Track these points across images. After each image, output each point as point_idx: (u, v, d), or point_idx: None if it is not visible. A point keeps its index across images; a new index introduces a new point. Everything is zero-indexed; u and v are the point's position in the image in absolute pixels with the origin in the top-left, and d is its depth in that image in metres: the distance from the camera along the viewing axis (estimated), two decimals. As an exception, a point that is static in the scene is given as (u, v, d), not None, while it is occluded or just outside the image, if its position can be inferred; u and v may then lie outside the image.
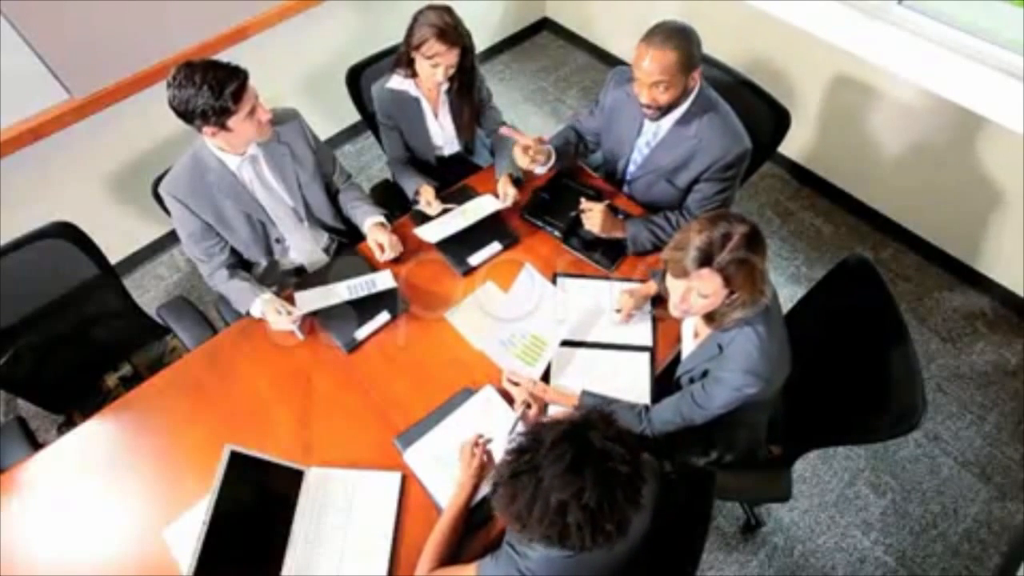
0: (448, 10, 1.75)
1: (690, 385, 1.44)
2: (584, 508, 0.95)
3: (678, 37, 1.51)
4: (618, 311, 1.66)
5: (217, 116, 1.46)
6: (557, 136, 1.92)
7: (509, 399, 1.52)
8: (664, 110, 1.62)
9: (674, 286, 1.27)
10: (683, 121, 1.66)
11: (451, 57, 1.75)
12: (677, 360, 1.67)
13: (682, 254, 1.20)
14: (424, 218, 1.88)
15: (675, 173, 1.75)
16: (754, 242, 1.19)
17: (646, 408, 1.48)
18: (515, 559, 1.11)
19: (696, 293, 1.24)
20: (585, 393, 1.50)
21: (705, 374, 1.40)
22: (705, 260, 1.18)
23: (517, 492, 0.99)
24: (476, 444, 1.39)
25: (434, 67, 1.77)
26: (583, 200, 1.77)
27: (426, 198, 1.88)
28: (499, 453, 1.08)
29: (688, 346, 1.53)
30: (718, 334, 1.35)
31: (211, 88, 1.42)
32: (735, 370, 1.31)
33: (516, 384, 1.50)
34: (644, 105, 1.61)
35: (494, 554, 1.16)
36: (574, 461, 0.96)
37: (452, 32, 1.72)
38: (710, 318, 1.33)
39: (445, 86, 1.92)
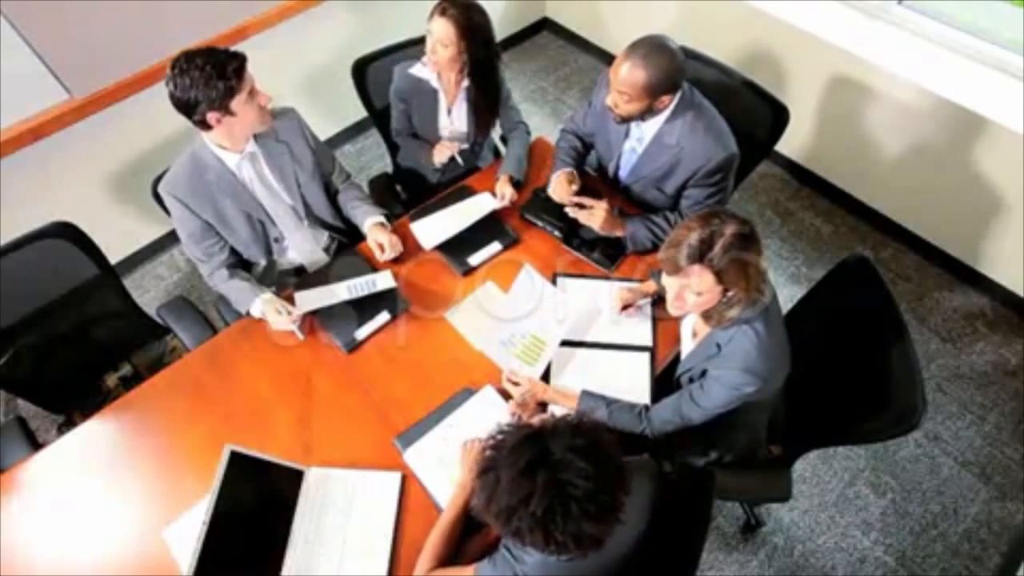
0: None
1: (689, 384, 1.44)
2: (532, 515, 0.94)
3: (657, 58, 1.49)
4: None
5: (221, 99, 1.46)
6: (564, 150, 1.92)
7: (509, 399, 1.51)
8: (625, 118, 1.63)
9: (669, 284, 1.28)
10: (665, 128, 1.66)
11: (441, 29, 1.75)
12: (677, 360, 1.67)
13: (675, 251, 1.21)
14: (422, 213, 1.89)
15: (662, 181, 1.76)
16: (747, 239, 1.19)
17: (646, 408, 1.48)
18: (512, 563, 1.11)
19: (690, 291, 1.24)
20: (585, 393, 1.50)
21: (704, 373, 1.40)
22: (697, 257, 1.19)
23: (481, 488, 1.00)
24: (476, 441, 1.38)
25: (428, 37, 1.77)
26: (584, 198, 1.77)
27: (442, 149, 1.95)
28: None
29: (687, 345, 1.53)
30: (717, 333, 1.35)
31: (214, 67, 1.43)
32: (733, 369, 1.31)
33: (516, 384, 1.50)
34: (607, 105, 1.62)
35: (491, 557, 1.16)
36: (528, 467, 0.95)
37: (451, 8, 1.73)
38: (708, 316, 1.33)
39: (465, 82, 1.93)
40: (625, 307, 1.67)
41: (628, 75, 1.51)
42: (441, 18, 1.74)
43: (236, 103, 1.49)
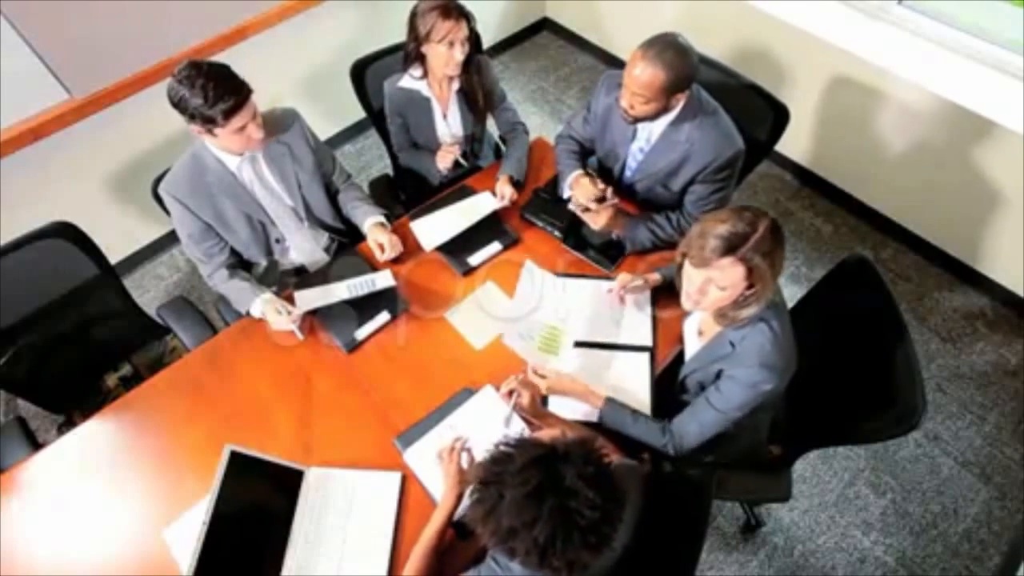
0: None
1: (702, 392, 1.42)
2: (533, 540, 0.92)
3: (673, 56, 1.49)
4: (610, 291, 1.67)
5: (204, 122, 1.47)
6: (565, 153, 1.90)
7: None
8: (637, 119, 1.62)
9: (692, 277, 1.25)
10: (674, 126, 1.66)
11: (461, 31, 1.75)
12: (677, 360, 1.67)
13: (704, 242, 1.19)
14: (423, 212, 1.89)
15: (669, 178, 1.75)
16: (778, 234, 1.19)
17: (668, 420, 1.46)
18: (497, 572, 1.10)
19: (715, 285, 1.22)
20: (610, 400, 1.47)
21: (719, 375, 1.38)
22: (729, 249, 1.17)
23: (480, 500, 0.97)
24: (452, 449, 1.36)
25: (450, 46, 1.77)
26: (587, 201, 1.76)
27: (445, 154, 1.95)
28: (486, 451, 1.05)
29: (692, 345, 1.52)
30: (729, 331, 1.34)
31: (206, 96, 1.42)
32: (750, 366, 1.29)
33: (543, 377, 1.48)
34: (621, 107, 1.62)
35: (478, 567, 1.15)
36: (536, 490, 0.92)
37: (454, 6, 1.73)
38: (722, 315, 1.32)
39: (456, 85, 1.93)
40: (624, 293, 1.66)
41: (644, 76, 1.50)
42: (459, 20, 1.73)
43: (217, 130, 1.49)
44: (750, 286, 1.21)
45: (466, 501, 1.29)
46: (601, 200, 1.74)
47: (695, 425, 1.41)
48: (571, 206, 1.77)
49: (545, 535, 0.91)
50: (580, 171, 1.84)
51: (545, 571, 0.95)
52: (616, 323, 1.67)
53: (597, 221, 1.73)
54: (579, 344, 1.64)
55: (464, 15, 1.76)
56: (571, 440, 1.00)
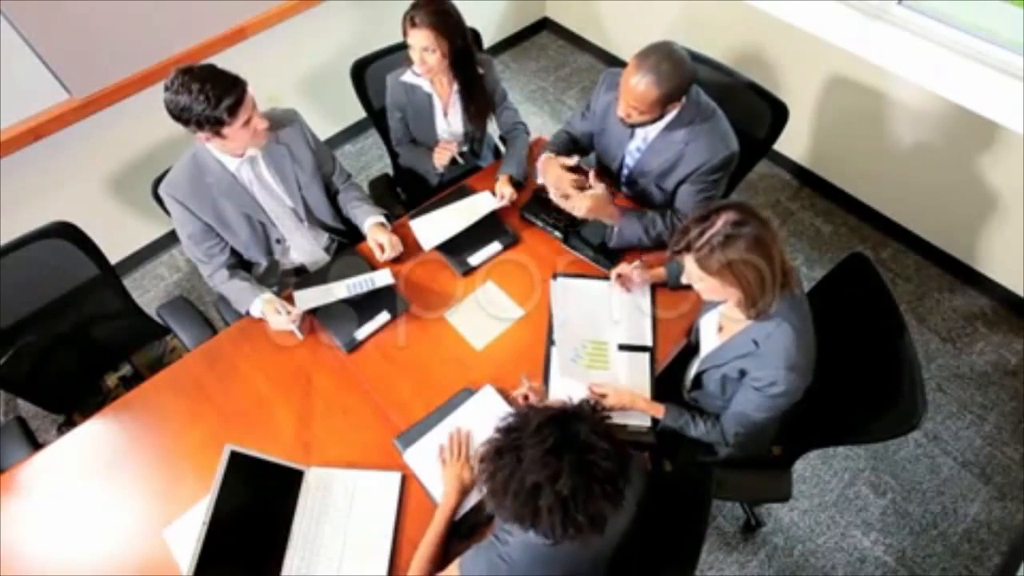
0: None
1: (723, 389, 1.45)
2: (557, 494, 0.95)
3: (669, 68, 1.49)
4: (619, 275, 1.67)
5: (211, 125, 1.47)
6: (550, 143, 1.93)
7: (509, 400, 1.51)
8: (634, 125, 1.64)
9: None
10: (671, 127, 1.67)
11: (420, 38, 1.74)
12: (678, 361, 1.67)
13: (677, 237, 1.27)
14: (423, 212, 1.89)
15: (663, 177, 1.75)
16: (740, 226, 1.20)
17: (716, 417, 1.48)
18: (495, 546, 1.12)
19: (693, 276, 1.29)
20: (669, 406, 1.50)
21: (742, 374, 1.39)
22: (684, 245, 1.24)
23: (497, 469, 1.01)
24: (452, 439, 1.41)
25: (421, 51, 1.77)
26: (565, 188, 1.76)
27: (442, 151, 1.95)
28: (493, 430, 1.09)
29: (709, 341, 1.52)
30: (752, 329, 1.35)
31: (207, 99, 1.42)
32: (776, 368, 1.30)
33: (604, 395, 1.50)
34: (618, 115, 1.63)
35: (477, 546, 1.17)
36: (555, 446, 0.97)
37: (419, 15, 1.72)
38: (743, 306, 1.32)
39: (456, 86, 1.93)
40: (620, 281, 1.67)
41: (638, 89, 1.52)
42: (415, 29, 1.73)
43: (227, 131, 1.49)
44: (734, 279, 1.24)
45: (474, 496, 1.31)
46: (582, 187, 1.74)
47: (738, 425, 1.44)
48: (552, 197, 1.76)
49: (568, 488, 0.95)
50: (549, 154, 1.84)
51: (569, 530, 0.98)
52: (616, 323, 1.67)
53: (579, 207, 1.71)
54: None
55: (427, 23, 1.72)
56: (576, 402, 1.07)
